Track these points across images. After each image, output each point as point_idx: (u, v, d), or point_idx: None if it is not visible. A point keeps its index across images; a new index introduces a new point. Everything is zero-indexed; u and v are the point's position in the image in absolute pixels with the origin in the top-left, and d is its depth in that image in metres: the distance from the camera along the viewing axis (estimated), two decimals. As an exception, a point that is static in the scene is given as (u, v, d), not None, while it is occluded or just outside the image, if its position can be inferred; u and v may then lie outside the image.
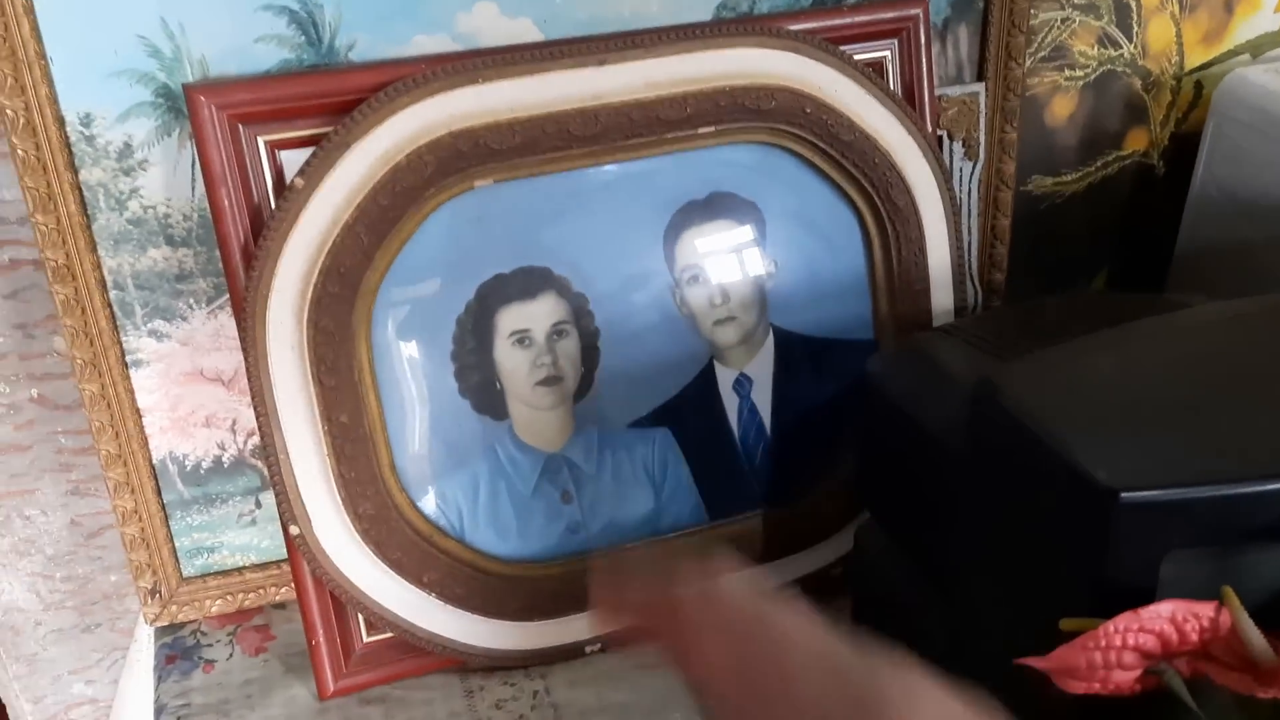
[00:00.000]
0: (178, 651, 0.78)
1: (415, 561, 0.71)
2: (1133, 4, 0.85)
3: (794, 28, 0.71)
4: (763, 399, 0.76)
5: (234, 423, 0.76)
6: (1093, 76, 0.86)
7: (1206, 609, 0.44)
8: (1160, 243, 0.91)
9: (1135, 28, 0.86)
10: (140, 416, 0.74)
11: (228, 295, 0.72)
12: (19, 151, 0.65)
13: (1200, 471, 0.46)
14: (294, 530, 0.68)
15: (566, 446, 0.73)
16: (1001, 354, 0.61)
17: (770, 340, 0.76)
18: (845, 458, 0.77)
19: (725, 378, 0.76)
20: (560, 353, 0.72)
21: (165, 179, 0.69)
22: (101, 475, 0.75)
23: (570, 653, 0.75)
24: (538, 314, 0.71)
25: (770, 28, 0.70)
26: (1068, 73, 0.85)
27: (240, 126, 0.64)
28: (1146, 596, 0.46)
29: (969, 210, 0.83)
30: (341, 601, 0.71)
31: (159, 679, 0.76)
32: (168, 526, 0.77)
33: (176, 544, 0.78)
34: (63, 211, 0.67)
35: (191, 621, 0.80)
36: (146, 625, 0.79)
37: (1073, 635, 0.46)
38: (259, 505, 0.79)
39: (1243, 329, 0.58)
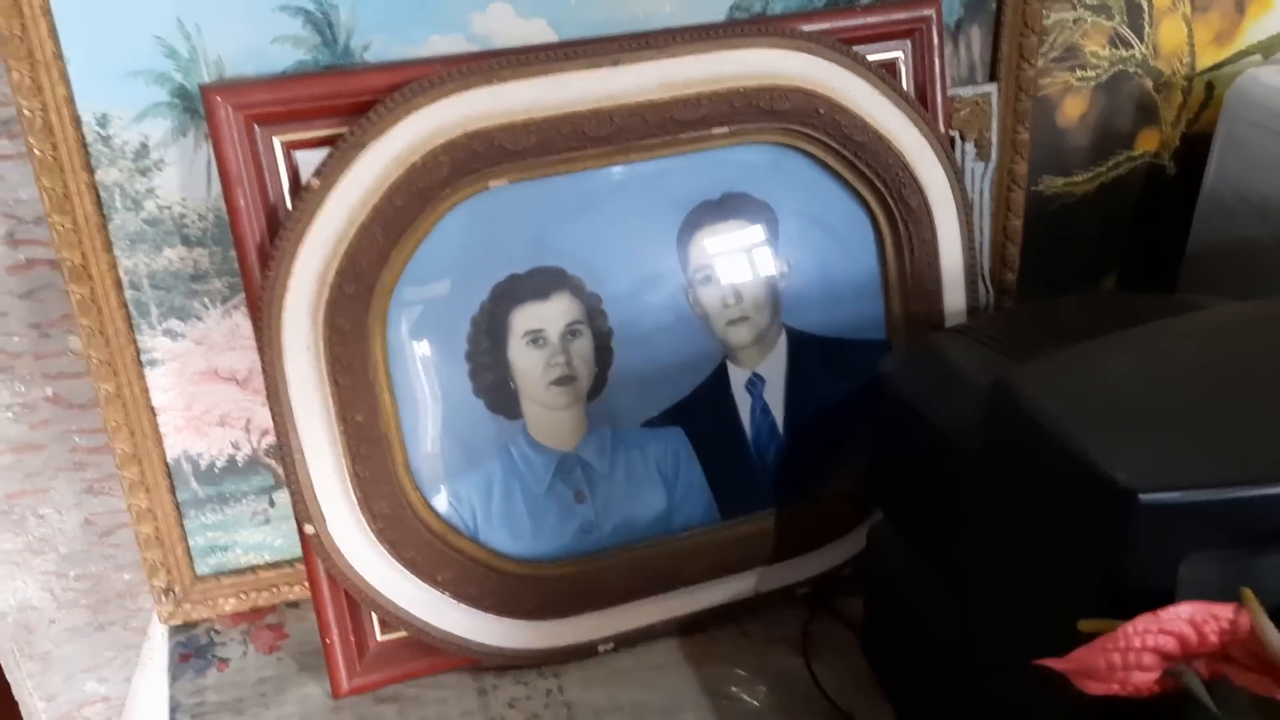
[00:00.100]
0: (192, 650, 0.78)
1: (429, 561, 0.71)
2: (1144, 4, 0.85)
3: (807, 28, 0.71)
4: (775, 399, 0.77)
5: (248, 422, 0.77)
6: (1104, 77, 0.86)
7: (1226, 611, 0.44)
8: (1171, 244, 0.91)
9: (1147, 28, 0.86)
10: (155, 415, 0.74)
11: (242, 295, 0.73)
12: (36, 152, 0.65)
13: (1219, 473, 0.46)
14: (309, 529, 0.69)
15: (580, 446, 0.73)
16: (1016, 354, 0.61)
17: (783, 340, 0.76)
18: (857, 458, 0.77)
19: (738, 377, 0.76)
20: (574, 352, 0.72)
21: (181, 179, 0.69)
22: (115, 474, 0.76)
23: (583, 652, 0.75)
24: (551, 314, 0.71)
25: (784, 28, 0.70)
26: (1079, 73, 0.85)
27: (256, 127, 0.65)
28: (1165, 598, 0.45)
29: (981, 211, 0.83)
30: (355, 600, 0.71)
31: (173, 677, 0.76)
32: (182, 525, 0.78)
33: (190, 543, 0.78)
34: (79, 211, 0.67)
35: (205, 620, 0.80)
36: (160, 624, 0.80)
37: (1091, 636, 0.46)
38: (272, 504, 0.79)
39: (1259, 330, 0.58)
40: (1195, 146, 0.90)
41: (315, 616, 0.72)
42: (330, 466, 0.68)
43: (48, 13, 0.62)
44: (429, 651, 0.73)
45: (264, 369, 0.66)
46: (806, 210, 0.75)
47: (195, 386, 0.74)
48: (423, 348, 0.70)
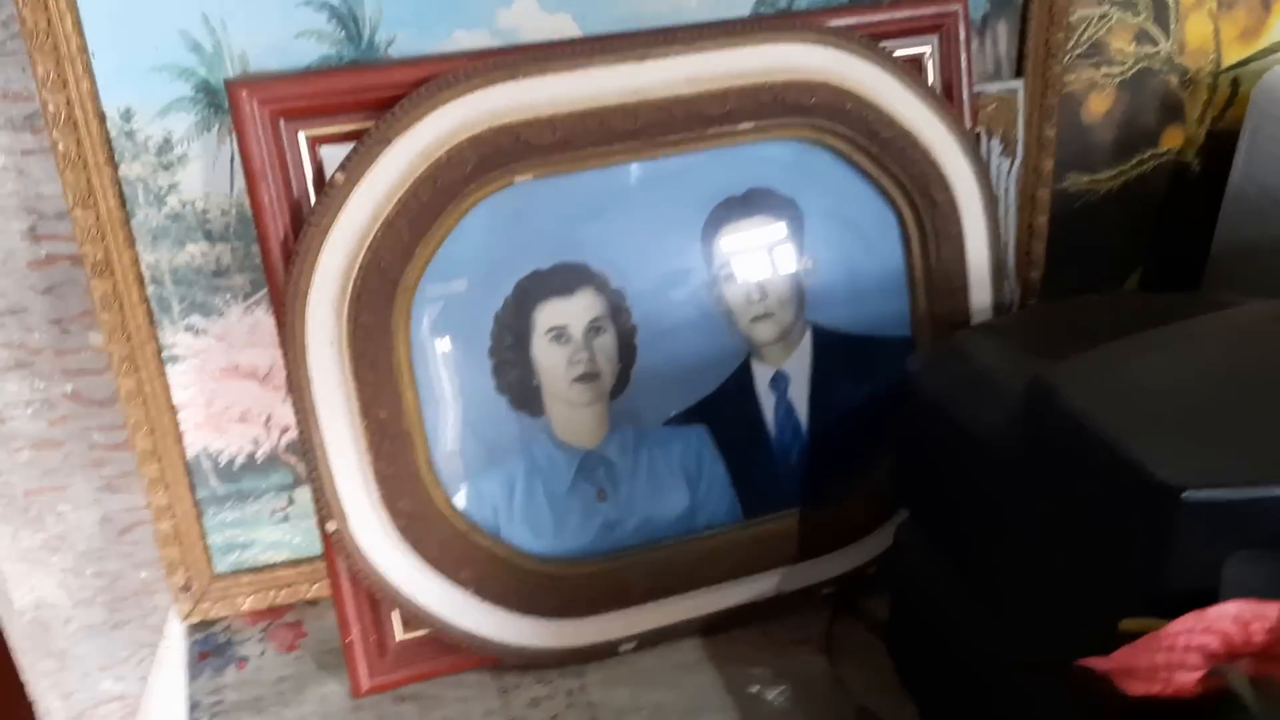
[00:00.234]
0: (210, 648, 0.78)
1: (451, 559, 0.71)
2: (1170, 0, 0.84)
3: (834, 24, 0.70)
4: (799, 396, 0.76)
5: (268, 419, 0.76)
6: (1129, 73, 0.86)
7: (1271, 609, 0.44)
8: (1195, 242, 0.90)
9: (1172, 24, 0.85)
10: (175, 412, 0.74)
11: (264, 291, 0.72)
12: (60, 146, 0.65)
13: (1264, 470, 0.46)
14: (331, 526, 0.68)
15: (603, 444, 0.73)
16: (1046, 353, 0.60)
17: (808, 337, 0.76)
18: (882, 456, 0.76)
19: (762, 375, 0.75)
20: (597, 349, 0.71)
21: (204, 174, 0.69)
22: (133, 471, 0.75)
23: (606, 651, 0.74)
24: (575, 310, 0.71)
25: (810, 24, 0.70)
26: (1104, 70, 0.84)
27: (281, 122, 0.64)
28: (1208, 598, 0.45)
29: (1006, 208, 0.82)
30: (376, 598, 0.71)
31: (191, 676, 0.75)
32: (200, 523, 0.77)
33: (209, 540, 0.78)
34: (102, 206, 0.67)
35: (223, 618, 0.80)
36: (178, 622, 0.79)
37: (1133, 636, 0.46)
38: (292, 502, 0.79)
39: (1295, 327, 0.57)
40: (1220, 144, 0.90)
41: (335, 614, 0.71)
42: (352, 463, 0.68)
43: (73, 7, 0.62)
44: (450, 650, 0.73)
45: (287, 365, 0.66)
46: (832, 206, 0.74)
47: (216, 383, 0.74)
48: (446, 344, 0.69)
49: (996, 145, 0.80)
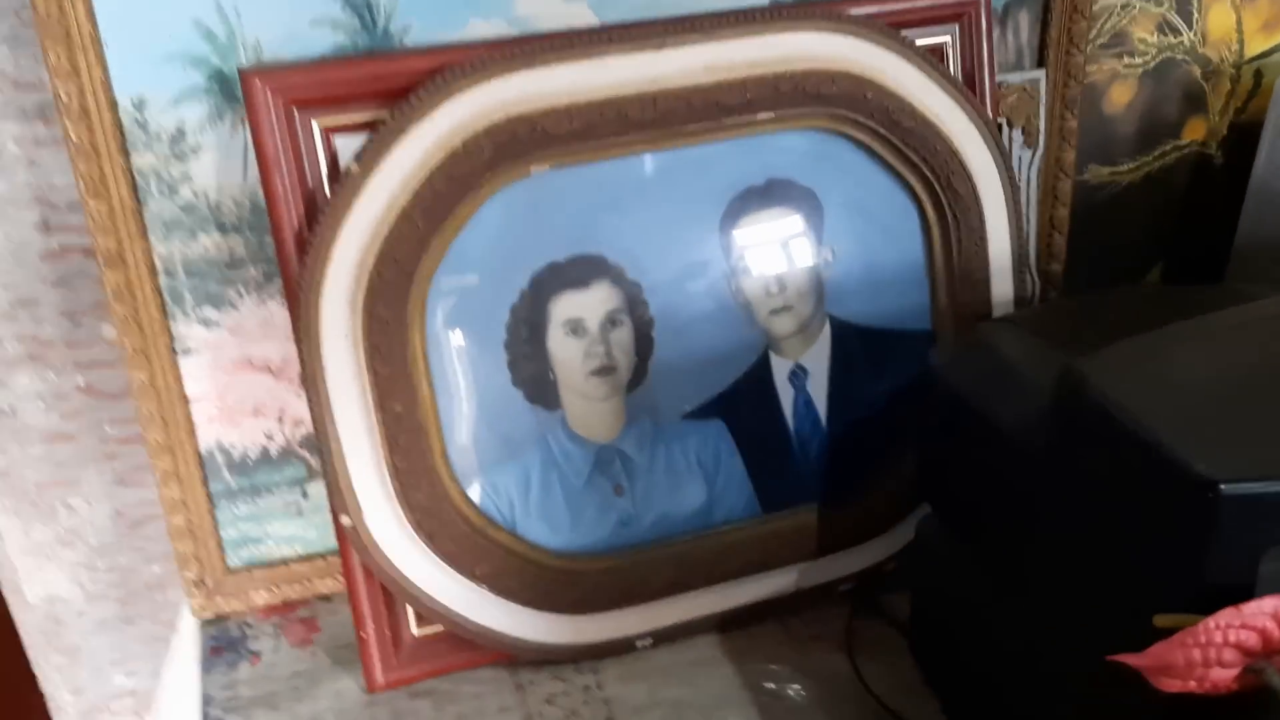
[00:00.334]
0: (223, 643, 0.77)
1: (467, 554, 0.70)
2: (1193, -9, 0.83)
3: (854, 12, 0.69)
4: (818, 390, 0.75)
5: (282, 412, 0.75)
6: (1152, 64, 0.85)
7: (1311, 606, 0.43)
8: (1218, 235, 0.89)
9: (1195, 15, 0.84)
10: (188, 405, 0.73)
11: (277, 283, 0.72)
12: (72, 136, 0.64)
13: (1302, 464, 0.45)
14: (345, 521, 0.67)
15: (619, 438, 0.72)
16: (1074, 346, 0.59)
17: (827, 330, 0.75)
18: (902, 451, 0.75)
19: (780, 369, 0.75)
20: (614, 342, 0.71)
21: (217, 165, 0.68)
22: (146, 465, 0.75)
23: (622, 647, 0.74)
24: (591, 303, 0.70)
25: (831, 11, 0.69)
26: (1126, 60, 0.83)
27: (295, 111, 0.63)
28: (1244, 594, 0.44)
29: (1027, 200, 0.81)
30: (391, 593, 0.70)
31: (205, 671, 0.75)
32: (213, 517, 0.77)
33: (222, 535, 0.77)
34: (115, 197, 0.66)
35: (236, 613, 0.79)
36: (191, 617, 0.79)
37: (1167, 633, 0.45)
38: (305, 496, 0.78)
39: (1327, 319, 0.56)
40: (1243, 136, 0.89)
41: (350, 609, 0.71)
42: (368, 457, 0.67)
43: (86, -6, 0.62)
44: (465, 646, 0.72)
45: (301, 358, 0.65)
46: (852, 197, 0.73)
47: (229, 376, 0.73)
48: (461, 337, 0.69)
49: (1018, 136, 0.79)
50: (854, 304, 0.75)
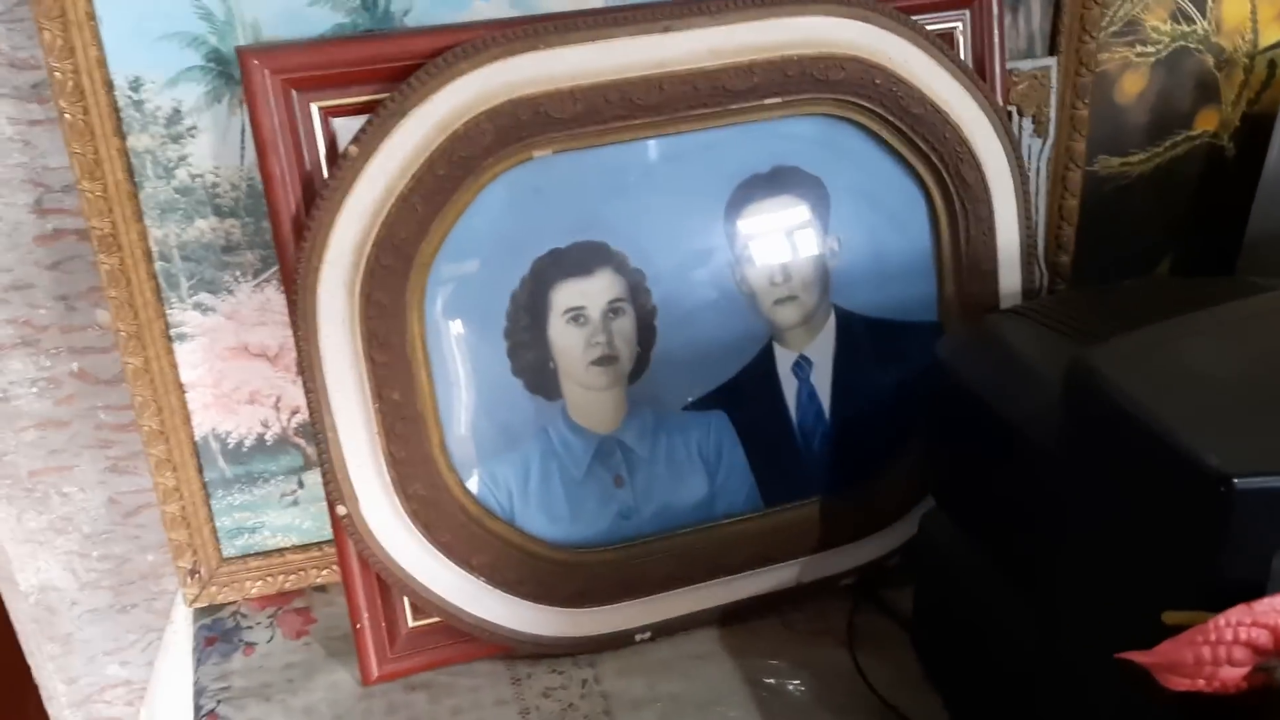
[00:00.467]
0: (217, 633, 0.76)
1: (464, 544, 0.69)
2: (1207, -21, 0.82)
3: (863, -4, 0.68)
4: (822, 382, 0.74)
5: (278, 400, 0.75)
6: (1164, 53, 0.83)
7: (1326, 603, 0.42)
8: (1229, 227, 0.88)
9: (1209, 3, 0.83)
10: (183, 392, 0.72)
11: (274, 268, 0.71)
12: (67, 116, 0.63)
13: (1318, 458, 0.44)
14: (341, 510, 0.67)
15: (620, 429, 0.71)
16: (1084, 337, 0.59)
17: (832, 321, 0.74)
18: (907, 444, 0.75)
19: (784, 359, 0.73)
20: (615, 331, 0.70)
21: (214, 147, 0.67)
22: (141, 452, 0.74)
23: (620, 641, 0.73)
24: (593, 290, 0.69)
25: (839, -4, 0.67)
26: (1139, 49, 0.82)
27: (294, 92, 0.62)
28: (1255, 591, 0.43)
29: (1036, 189, 0.80)
30: (387, 584, 0.69)
31: (198, 661, 0.74)
32: (208, 505, 0.76)
33: (217, 523, 0.76)
34: (110, 179, 0.65)
35: (231, 603, 0.78)
36: (185, 606, 0.78)
37: (1176, 630, 0.44)
38: (301, 485, 0.77)
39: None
40: (1256, 127, 0.87)
41: (345, 600, 0.70)
42: (364, 446, 0.66)
43: (81, -29, 0.61)
44: (462, 638, 0.71)
45: (298, 344, 0.64)
46: (859, 185, 0.72)
47: (225, 362, 0.73)
48: (460, 324, 0.68)
49: (1028, 125, 0.78)
50: (860, 294, 0.74)
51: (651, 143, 0.68)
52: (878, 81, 0.69)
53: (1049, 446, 0.53)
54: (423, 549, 0.68)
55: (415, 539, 0.68)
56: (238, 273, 0.71)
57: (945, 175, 0.72)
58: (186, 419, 0.73)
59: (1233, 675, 0.43)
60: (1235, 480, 0.43)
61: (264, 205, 0.65)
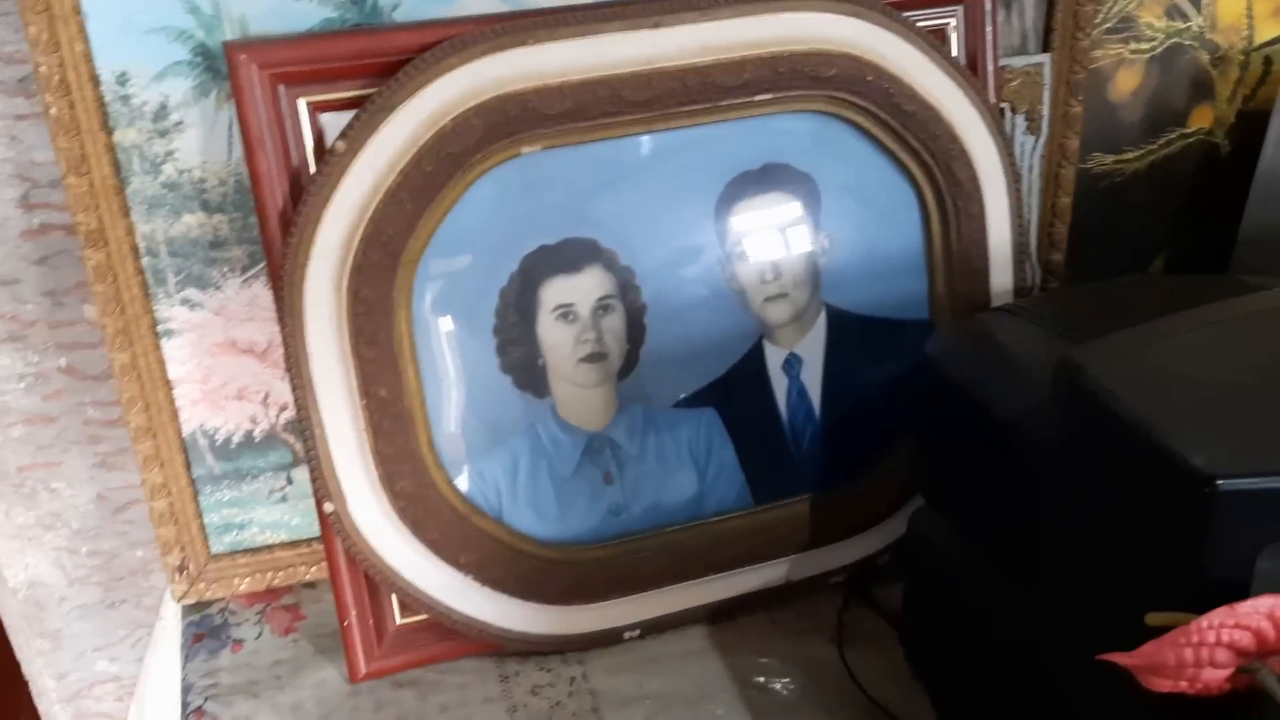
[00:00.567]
0: (205, 630, 0.76)
1: (452, 542, 0.69)
2: (1202, -25, 0.82)
3: (855, -8, 0.68)
4: (813, 380, 0.74)
5: (266, 396, 0.74)
6: (1159, 50, 0.83)
7: (1309, 605, 0.41)
8: (1223, 225, 0.87)
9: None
10: (171, 388, 0.72)
11: (262, 264, 0.70)
12: (52, 110, 0.63)
13: (1303, 459, 0.43)
14: (328, 507, 0.66)
15: (609, 426, 0.71)
16: (1073, 336, 0.58)
17: (822, 319, 0.73)
18: (897, 442, 0.74)
19: (774, 357, 0.73)
20: (605, 328, 0.69)
21: (201, 142, 0.67)
22: (130, 448, 0.74)
23: (609, 638, 0.73)
24: (583, 287, 0.69)
25: (831, -9, 0.67)
26: (1133, 45, 0.82)
27: (281, 87, 0.62)
28: (1239, 592, 0.43)
29: (1029, 187, 0.80)
30: (375, 582, 0.69)
31: (186, 658, 0.74)
32: (197, 502, 0.76)
33: (205, 520, 0.76)
34: (96, 174, 0.65)
35: (219, 600, 0.78)
36: (174, 602, 0.78)
37: (1159, 631, 0.43)
38: (290, 481, 0.77)
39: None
40: (1251, 124, 0.87)
41: (333, 597, 0.70)
42: (351, 443, 0.66)
43: (66, -36, 0.60)
44: (450, 635, 0.71)
45: (284, 340, 0.64)
46: (850, 182, 0.72)
47: (213, 358, 0.72)
48: (449, 321, 0.67)
49: (1021, 122, 0.78)
50: (850, 292, 0.74)
51: (641, 139, 0.68)
52: (869, 78, 0.68)
53: (1036, 445, 0.53)
54: (410, 546, 0.68)
55: (403, 536, 0.68)
56: (225, 268, 0.70)
57: (937, 172, 0.72)
58: (174, 415, 0.73)
59: (1215, 677, 0.43)
60: (1219, 481, 0.42)
61: (252, 200, 0.65)
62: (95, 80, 0.63)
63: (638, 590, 0.72)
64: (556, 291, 0.68)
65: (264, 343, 0.73)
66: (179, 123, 0.66)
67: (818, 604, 0.75)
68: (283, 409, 0.75)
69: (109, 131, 0.65)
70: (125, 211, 0.67)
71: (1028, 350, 0.60)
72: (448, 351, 0.68)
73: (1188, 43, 0.84)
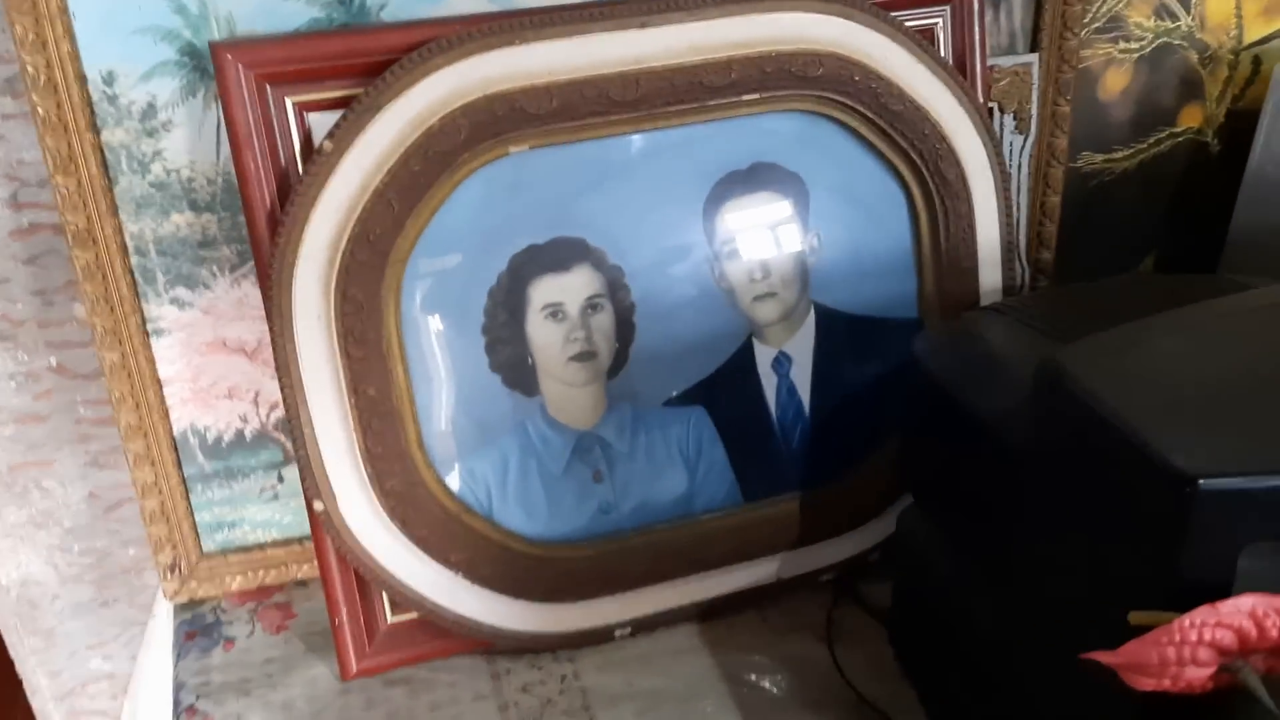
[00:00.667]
0: (197, 628, 0.76)
1: (442, 540, 0.69)
2: (1191, -26, 0.82)
3: (843, -9, 0.68)
4: (802, 378, 0.74)
5: (256, 395, 0.74)
6: (1148, 49, 0.83)
7: (1289, 604, 0.42)
8: (1212, 224, 0.88)
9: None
10: (161, 387, 0.72)
11: (251, 263, 0.70)
12: (39, 110, 0.63)
13: (1283, 459, 0.44)
14: (318, 506, 0.66)
15: (599, 425, 0.71)
16: (1059, 335, 0.58)
17: (811, 317, 0.74)
18: (886, 440, 0.74)
19: (764, 356, 0.73)
20: (594, 327, 0.70)
21: (189, 141, 0.67)
22: (121, 447, 0.74)
23: (600, 636, 0.73)
24: (572, 286, 0.69)
25: (818, -9, 0.67)
26: (1122, 45, 0.82)
27: (268, 87, 0.62)
28: (1221, 590, 0.43)
29: (1018, 187, 0.80)
30: (366, 580, 0.69)
31: (178, 656, 0.74)
32: (188, 500, 0.76)
33: (197, 518, 0.76)
34: (84, 173, 0.65)
35: (211, 598, 0.78)
36: (166, 601, 0.78)
37: (1142, 630, 0.44)
38: (281, 480, 0.77)
39: (1317, 311, 0.55)
40: (1240, 123, 0.87)
41: (324, 596, 0.70)
42: (341, 441, 0.66)
43: (53, -36, 0.60)
44: (441, 634, 0.71)
45: (273, 340, 0.64)
46: (838, 182, 0.72)
47: (202, 357, 0.72)
48: (438, 320, 0.67)
49: (1009, 121, 0.78)
50: (839, 291, 0.74)
51: (630, 139, 0.68)
52: (857, 78, 0.68)
53: (1020, 445, 0.53)
54: (400, 545, 0.68)
55: (393, 535, 0.68)
56: (214, 268, 0.70)
57: (925, 172, 0.72)
58: (165, 414, 0.73)
59: (1198, 676, 0.43)
60: (1200, 481, 0.43)
61: (240, 200, 0.65)
62: (82, 80, 0.64)
63: (628, 588, 0.73)
64: (545, 290, 0.69)
65: (253, 341, 0.73)
66: (167, 122, 0.66)
67: (807, 602, 0.76)
68: (273, 407, 0.75)
69: (96, 131, 0.65)
70: (114, 211, 0.67)
71: (1014, 350, 0.60)
72: (437, 350, 0.68)
73: (1177, 42, 0.84)
